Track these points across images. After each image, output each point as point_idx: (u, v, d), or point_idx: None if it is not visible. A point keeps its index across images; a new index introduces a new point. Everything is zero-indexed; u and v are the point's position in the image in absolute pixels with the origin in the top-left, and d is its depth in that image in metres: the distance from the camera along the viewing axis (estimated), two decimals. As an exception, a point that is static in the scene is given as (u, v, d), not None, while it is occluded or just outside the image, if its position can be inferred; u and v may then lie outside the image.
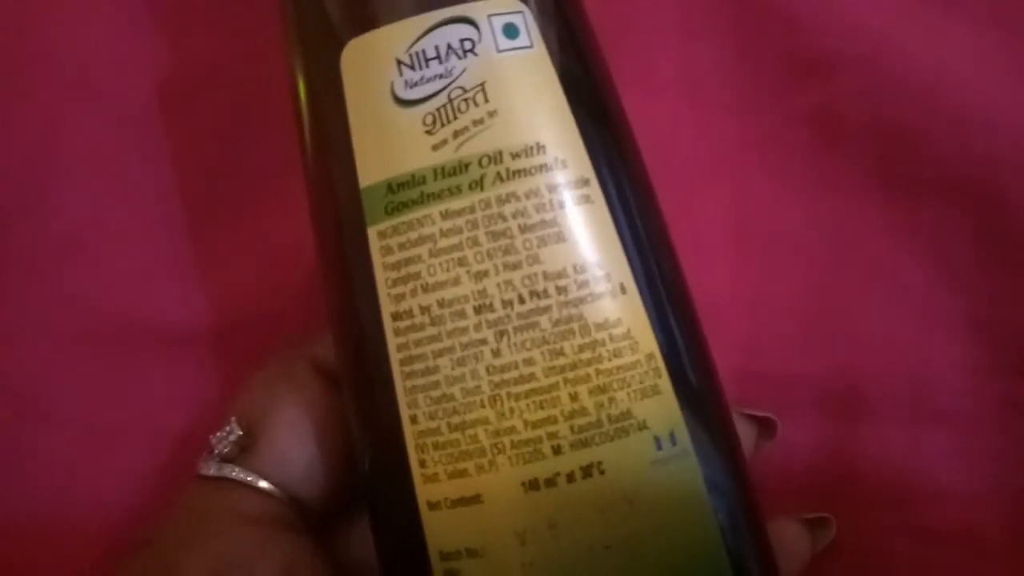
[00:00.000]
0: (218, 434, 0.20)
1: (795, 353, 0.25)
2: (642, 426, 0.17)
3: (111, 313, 0.25)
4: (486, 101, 0.17)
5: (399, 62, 0.17)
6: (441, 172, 0.17)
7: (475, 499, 0.17)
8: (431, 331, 0.17)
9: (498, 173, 0.17)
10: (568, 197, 0.17)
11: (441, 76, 0.17)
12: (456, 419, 0.17)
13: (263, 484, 0.20)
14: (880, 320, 0.25)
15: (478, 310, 0.17)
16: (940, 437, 0.24)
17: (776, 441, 0.23)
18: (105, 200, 0.26)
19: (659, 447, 0.17)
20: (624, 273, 0.17)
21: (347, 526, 0.21)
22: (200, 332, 0.25)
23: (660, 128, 0.25)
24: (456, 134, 0.17)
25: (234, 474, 0.20)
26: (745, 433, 0.22)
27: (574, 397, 0.17)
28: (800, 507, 0.23)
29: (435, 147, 0.17)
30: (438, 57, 0.17)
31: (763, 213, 0.26)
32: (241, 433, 0.20)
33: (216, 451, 0.20)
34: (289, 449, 0.20)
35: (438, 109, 0.17)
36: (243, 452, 0.20)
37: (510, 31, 0.18)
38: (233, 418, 0.20)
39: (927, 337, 0.25)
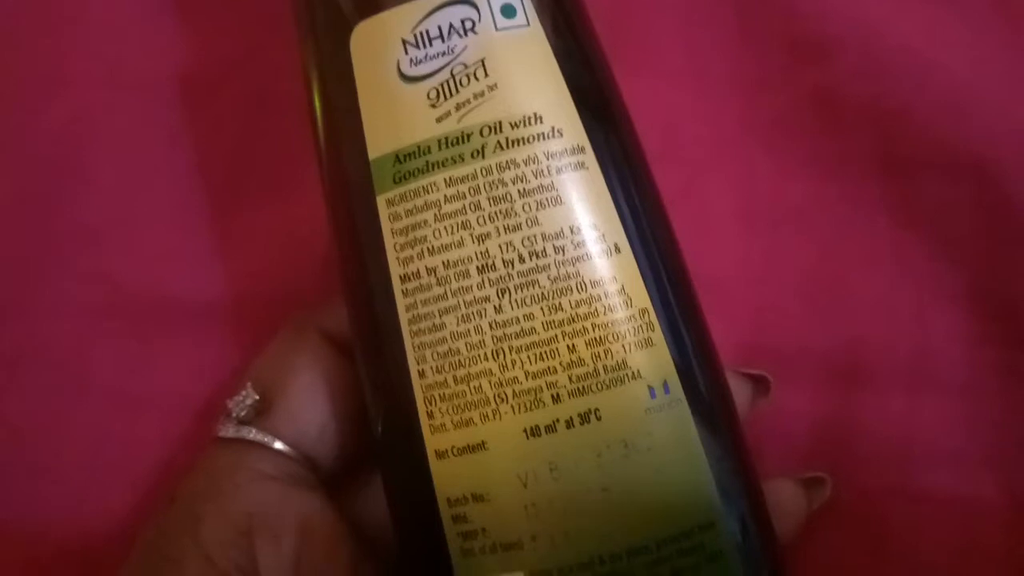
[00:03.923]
0: (235, 398, 0.21)
1: (799, 327, 0.25)
2: (636, 375, 0.18)
3: (139, 290, 0.26)
4: (486, 75, 0.18)
5: (404, 42, 0.19)
6: (445, 142, 0.18)
7: (480, 446, 0.18)
8: (437, 291, 0.18)
9: (498, 142, 0.18)
10: (564, 163, 0.18)
11: (444, 54, 0.18)
12: (462, 372, 0.18)
13: (278, 444, 0.20)
14: (881, 293, 0.25)
15: (481, 270, 0.18)
16: (939, 405, 0.24)
17: (771, 399, 0.23)
18: (133, 184, 0.27)
19: (652, 395, 0.18)
20: (618, 234, 0.18)
21: (359, 485, 0.22)
22: (222, 308, 0.26)
23: (665, 110, 0.26)
24: (458, 107, 0.18)
25: (251, 435, 0.20)
26: (740, 390, 0.22)
27: (572, 349, 0.18)
28: (800, 473, 0.23)
29: (439, 119, 0.18)
30: (441, 36, 0.18)
31: (767, 192, 0.26)
32: (257, 397, 0.21)
33: (233, 414, 0.21)
34: (303, 411, 0.21)
35: (441, 84, 0.18)
36: (259, 415, 0.21)
37: (507, 11, 0.19)
38: (249, 383, 0.21)
39: (927, 308, 0.25)
